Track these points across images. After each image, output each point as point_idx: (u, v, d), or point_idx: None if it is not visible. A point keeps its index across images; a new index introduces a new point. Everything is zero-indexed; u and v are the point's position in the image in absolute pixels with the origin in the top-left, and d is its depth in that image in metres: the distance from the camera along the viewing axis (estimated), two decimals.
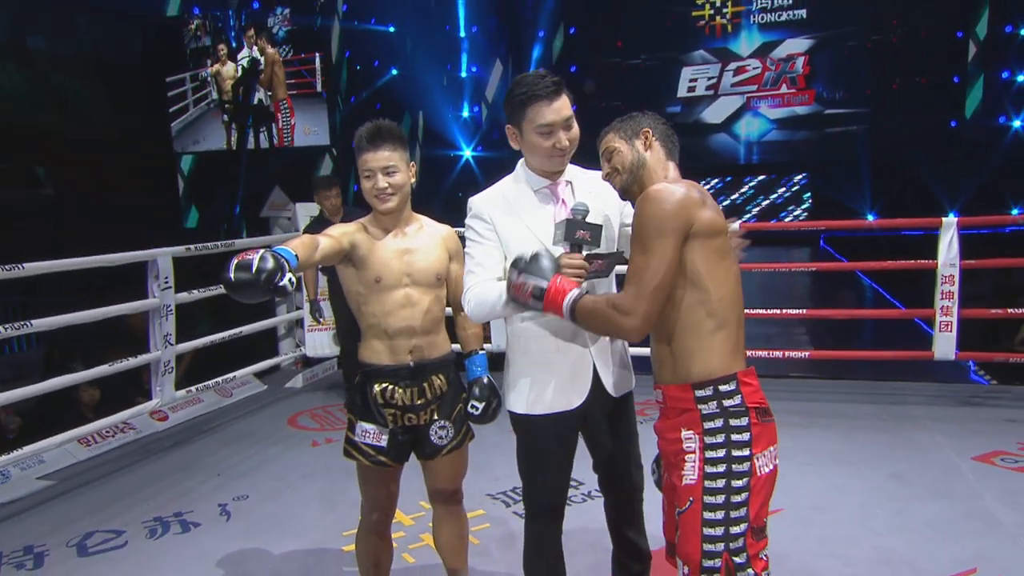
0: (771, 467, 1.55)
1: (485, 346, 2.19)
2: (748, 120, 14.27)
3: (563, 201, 1.84)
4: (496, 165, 15.59)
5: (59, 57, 10.21)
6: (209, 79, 11.33)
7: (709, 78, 14.29)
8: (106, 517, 3.23)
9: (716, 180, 14.38)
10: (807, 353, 4.57)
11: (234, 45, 11.58)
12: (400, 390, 2.02)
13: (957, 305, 4.18)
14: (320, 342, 5.13)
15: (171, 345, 3.90)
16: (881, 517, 2.95)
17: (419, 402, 2.04)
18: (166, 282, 3.80)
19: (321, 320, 4.70)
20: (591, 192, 1.84)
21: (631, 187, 1.69)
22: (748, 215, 14.12)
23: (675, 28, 14.25)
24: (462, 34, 14.80)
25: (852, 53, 13.50)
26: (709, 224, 1.54)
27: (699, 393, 1.54)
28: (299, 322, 5.33)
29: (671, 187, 1.55)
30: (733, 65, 14.12)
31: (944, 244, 4.18)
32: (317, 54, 11.39)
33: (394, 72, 13.76)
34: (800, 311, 4.87)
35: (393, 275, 1.98)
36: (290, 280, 1.57)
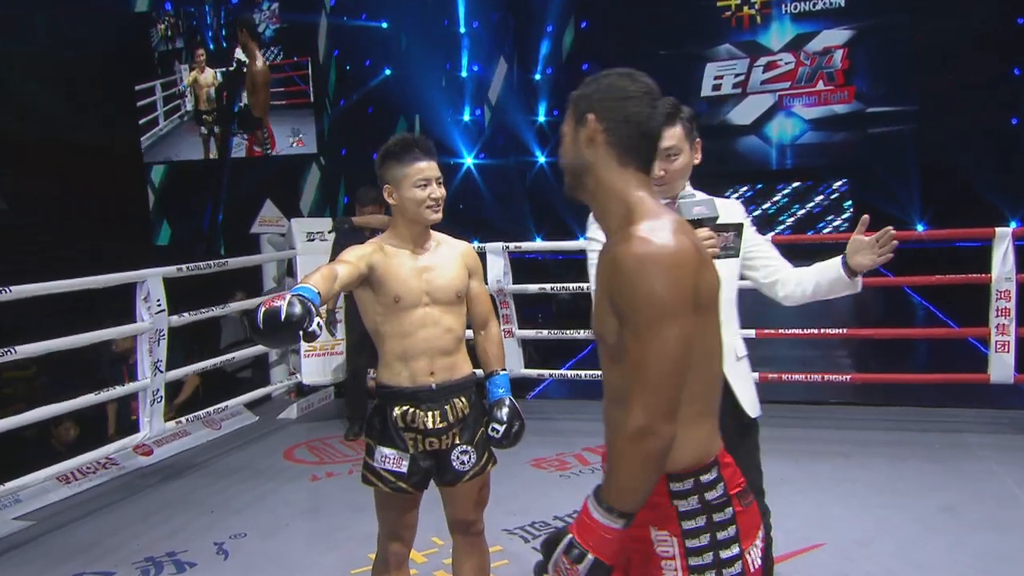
0: (761, 560, 1.41)
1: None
2: (780, 121, 14.49)
3: None
4: (499, 173, 15.84)
5: (12, 56, 10.38)
6: (184, 89, 11.45)
7: (736, 75, 14.56)
8: (93, 558, 3.38)
9: (745, 188, 14.57)
10: (848, 377, 4.71)
11: (211, 48, 11.77)
12: (421, 413, 2.16)
13: (1015, 323, 4.31)
14: (317, 368, 5.29)
15: (161, 372, 4.09)
16: (930, 552, 3.07)
17: (441, 425, 2.17)
18: (159, 305, 3.99)
19: (335, 334, 4.87)
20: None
21: (577, 194, 1.44)
22: (781, 227, 14.31)
23: (698, 20, 14.53)
24: (462, 30, 15.13)
25: (897, 44, 13.65)
26: (708, 291, 1.33)
27: (676, 487, 1.35)
28: (294, 347, 5.49)
29: (665, 240, 1.27)
30: (763, 60, 14.39)
31: (998, 256, 4.31)
32: (310, 59, 11.55)
33: (387, 72, 14.04)
34: (840, 331, 5.00)
35: (412, 294, 2.13)
36: (318, 324, 1.76)
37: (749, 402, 2.14)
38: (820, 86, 14.25)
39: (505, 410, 2.19)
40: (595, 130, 1.36)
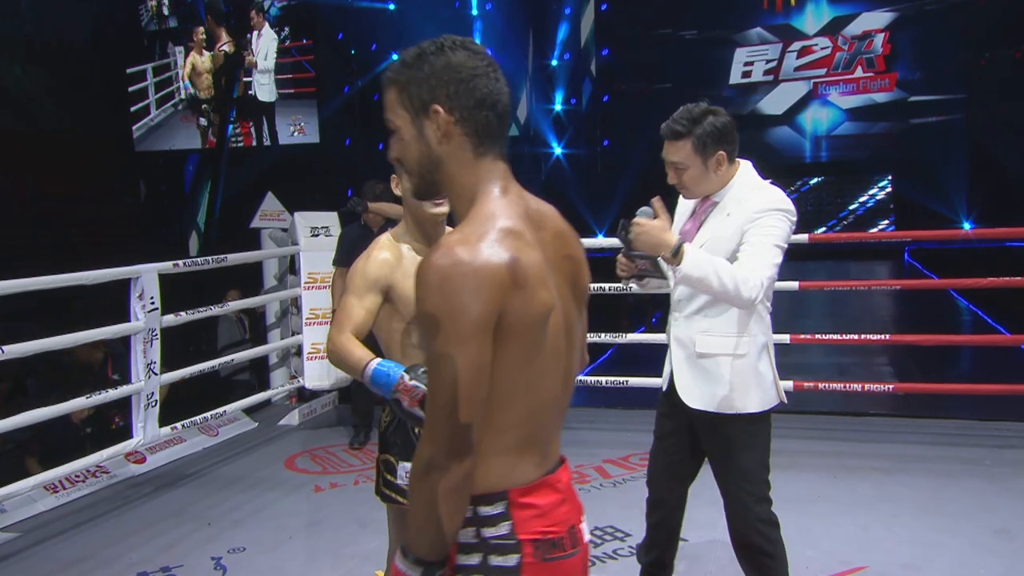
0: None
1: None
2: (815, 110, 14.43)
3: (700, 221, 2.40)
4: (513, 163, 15.71)
5: None
6: (179, 74, 11.40)
7: (768, 61, 14.51)
8: (82, 573, 3.40)
9: (777, 183, 14.54)
10: (891, 387, 4.68)
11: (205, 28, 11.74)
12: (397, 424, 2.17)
13: None
14: (320, 372, 5.31)
15: (155, 375, 4.11)
16: None
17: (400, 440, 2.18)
18: (152, 303, 4.02)
19: None
20: (729, 214, 2.33)
21: (426, 193, 1.38)
22: (821, 228, 14.21)
23: (727, 2, 14.49)
24: (474, 12, 15.14)
25: (944, 28, 13.53)
26: (529, 315, 1.22)
27: None
28: (297, 349, 5.52)
29: (472, 254, 1.18)
30: (797, 45, 14.34)
31: None
32: (314, 42, 11.51)
33: (395, 57, 14.08)
34: (881, 337, 4.98)
35: None
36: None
37: (694, 396, 2.37)
38: (859, 73, 14.17)
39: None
40: (447, 122, 1.27)
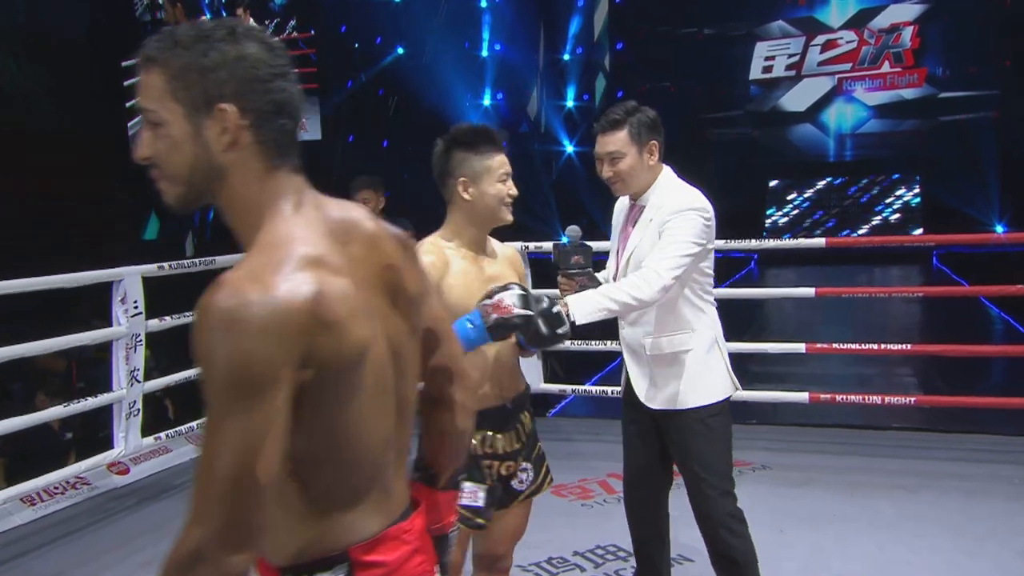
0: None
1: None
2: (840, 107, 14.37)
3: (632, 222, 2.51)
4: (523, 164, 15.75)
5: None
6: None
7: (790, 55, 14.46)
8: None
9: (798, 182, 14.44)
10: (912, 399, 4.60)
11: (209, 18, 11.83)
12: (500, 436, 2.17)
13: None
14: None
15: (139, 382, 4.09)
16: None
17: (516, 447, 2.19)
18: (135, 307, 4.00)
19: None
20: (651, 219, 2.44)
21: (188, 204, 1.15)
22: (845, 230, 14.09)
23: None
24: (483, 3, 15.15)
25: (977, 21, 13.47)
26: (349, 351, 1.07)
27: None
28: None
29: (264, 292, 1.00)
30: (821, 38, 14.29)
31: None
32: (317, 34, 11.51)
33: (400, 51, 14.12)
34: (904, 346, 4.90)
35: None
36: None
37: (651, 397, 2.50)
38: (886, 68, 14.11)
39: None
40: (237, 126, 1.08)
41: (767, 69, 14.65)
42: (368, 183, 4.83)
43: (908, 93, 13.99)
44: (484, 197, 2.09)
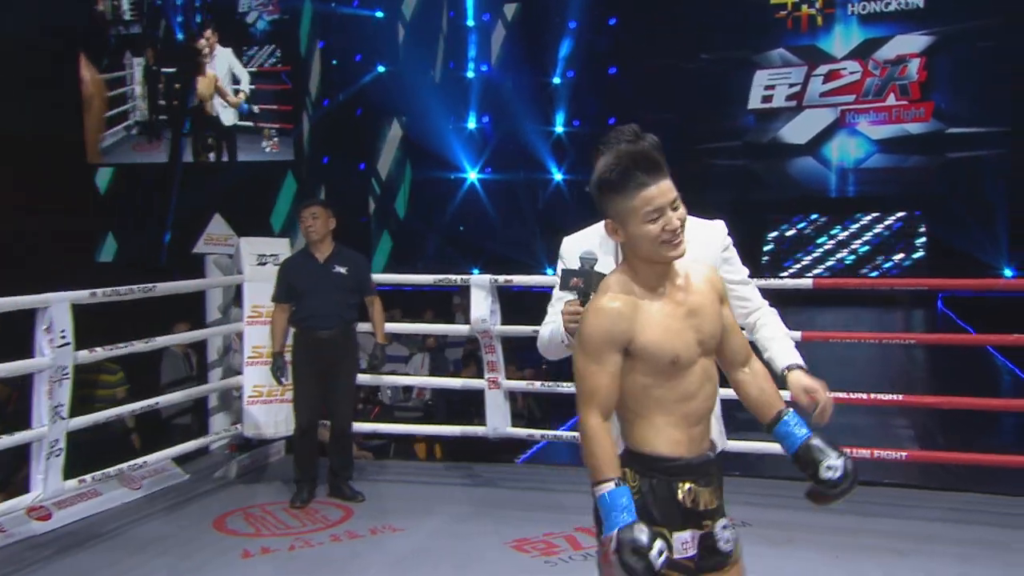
0: None
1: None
2: (842, 140, 14.48)
3: None
4: (508, 191, 15.87)
5: None
6: (134, 92, 11.20)
7: (791, 85, 14.59)
8: None
9: (798, 218, 14.48)
10: (904, 454, 4.55)
11: (180, 36, 11.71)
12: (703, 490, 2.06)
13: None
14: (265, 418, 5.19)
15: (63, 419, 3.99)
16: None
17: (716, 504, 2.07)
18: (63, 337, 3.91)
19: (283, 382, 4.81)
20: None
21: None
22: (842, 266, 14.13)
23: (747, 20, 14.61)
24: (470, 23, 15.28)
25: (985, 54, 13.65)
26: None
27: None
28: (237, 391, 5.41)
29: None
30: (823, 68, 14.44)
31: None
32: (289, 51, 11.43)
33: (381, 69, 14.17)
34: (895, 396, 4.85)
35: (689, 349, 2.02)
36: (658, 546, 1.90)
37: (720, 435, 2.40)
38: (891, 101, 14.25)
39: (827, 444, 2.04)
40: None
41: (767, 99, 14.78)
42: (318, 201, 4.83)
43: (914, 128, 14.12)
44: (633, 240, 1.99)
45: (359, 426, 5.39)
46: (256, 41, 11.65)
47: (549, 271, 13.86)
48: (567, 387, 4.90)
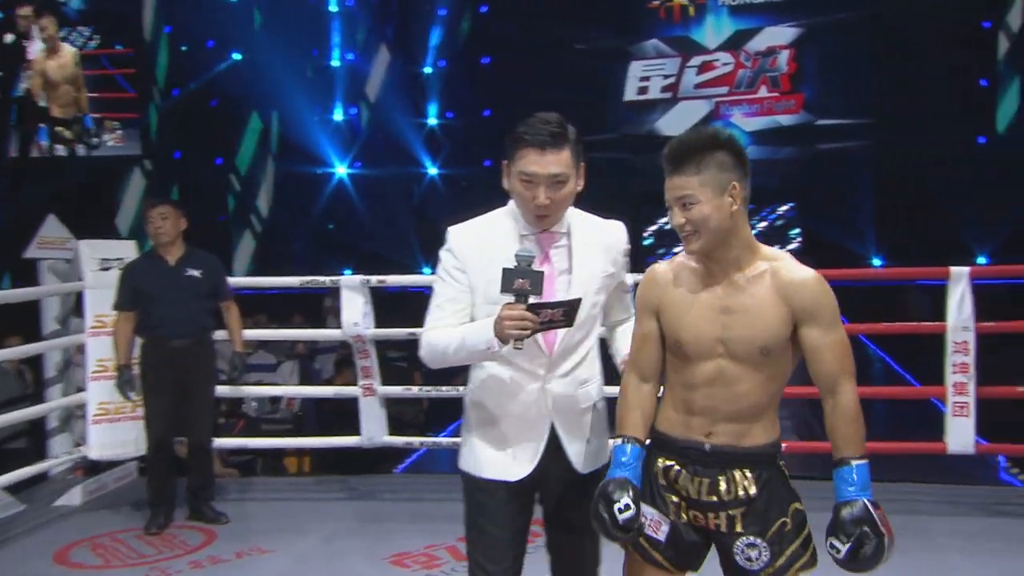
0: None
1: None
2: None
3: (548, 256, 2.28)
4: (379, 187, 15.68)
5: None
6: None
7: (666, 76, 15.02)
8: None
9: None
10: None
11: None
12: (687, 475, 2.12)
13: (974, 381, 4.45)
14: (113, 438, 4.96)
15: None
16: None
17: (709, 499, 2.09)
18: None
19: (131, 397, 4.59)
20: (588, 244, 2.32)
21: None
22: None
23: (620, 9, 14.92)
24: (333, 8, 15.02)
25: (851, 46, 14.40)
26: None
27: None
28: (80, 410, 5.15)
29: None
30: (697, 60, 14.93)
31: (954, 302, 4.45)
32: (133, 37, 10.95)
33: (236, 57, 13.77)
34: None
35: (703, 342, 2.09)
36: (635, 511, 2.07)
37: (585, 459, 2.33)
38: (763, 92, 14.84)
39: (852, 519, 1.98)
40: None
41: (642, 90, 15.16)
42: (167, 199, 4.63)
43: (785, 119, 14.75)
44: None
45: (222, 442, 5.23)
46: (69, 22, 11.04)
47: (426, 270, 13.86)
48: (447, 391, 4.89)
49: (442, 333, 2.25)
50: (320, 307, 9.71)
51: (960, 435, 4.47)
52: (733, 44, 14.94)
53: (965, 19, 13.72)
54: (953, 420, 4.49)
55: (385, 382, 4.97)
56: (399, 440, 5.12)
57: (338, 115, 15.31)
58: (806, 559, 2.09)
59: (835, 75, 14.63)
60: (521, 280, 2.07)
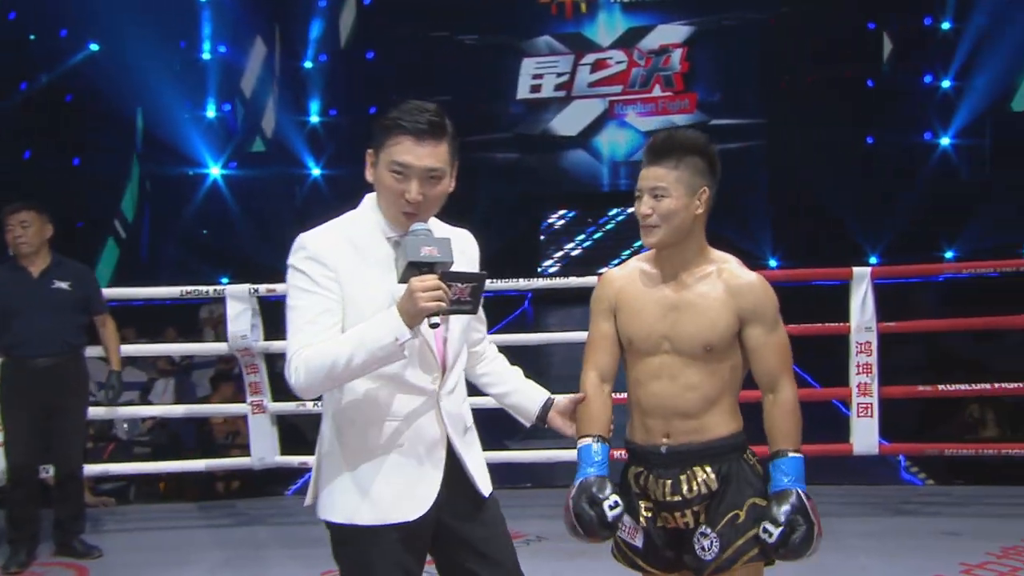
0: None
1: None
2: (612, 132, 15.26)
3: None
4: (258, 189, 15.30)
5: None
6: None
7: (559, 74, 15.18)
8: None
9: (572, 212, 15.04)
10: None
11: None
12: (653, 479, 2.23)
13: (877, 382, 4.63)
14: None
15: None
16: None
17: (674, 499, 2.21)
18: None
19: None
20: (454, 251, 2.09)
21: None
22: (616, 260, 14.91)
23: (511, 4, 15.01)
24: None
25: (742, 46, 14.88)
26: None
27: None
28: None
29: None
30: (590, 57, 15.14)
31: (856, 302, 4.62)
32: None
33: (93, 48, 13.25)
34: None
35: (649, 339, 2.23)
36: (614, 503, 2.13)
37: (485, 480, 2.22)
38: (657, 92, 15.18)
39: (785, 507, 2.14)
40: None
41: (535, 88, 15.27)
42: (28, 204, 4.35)
43: (680, 119, 15.06)
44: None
45: (91, 468, 4.97)
46: None
47: None
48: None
49: (326, 347, 1.97)
50: (196, 319, 9.40)
51: (865, 436, 4.65)
52: (626, 42, 15.22)
53: (852, 20, 14.37)
54: (858, 421, 4.66)
55: (275, 398, 4.85)
56: (293, 460, 4.99)
57: (211, 112, 14.88)
58: (755, 553, 2.19)
59: (727, 75, 15.07)
60: (429, 248, 1.92)
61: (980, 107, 13.95)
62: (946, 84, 14.40)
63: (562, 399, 2.30)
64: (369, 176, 2.09)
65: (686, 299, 2.22)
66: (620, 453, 2.34)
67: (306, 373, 1.96)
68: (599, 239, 15.31)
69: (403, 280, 1.93)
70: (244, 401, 4.87)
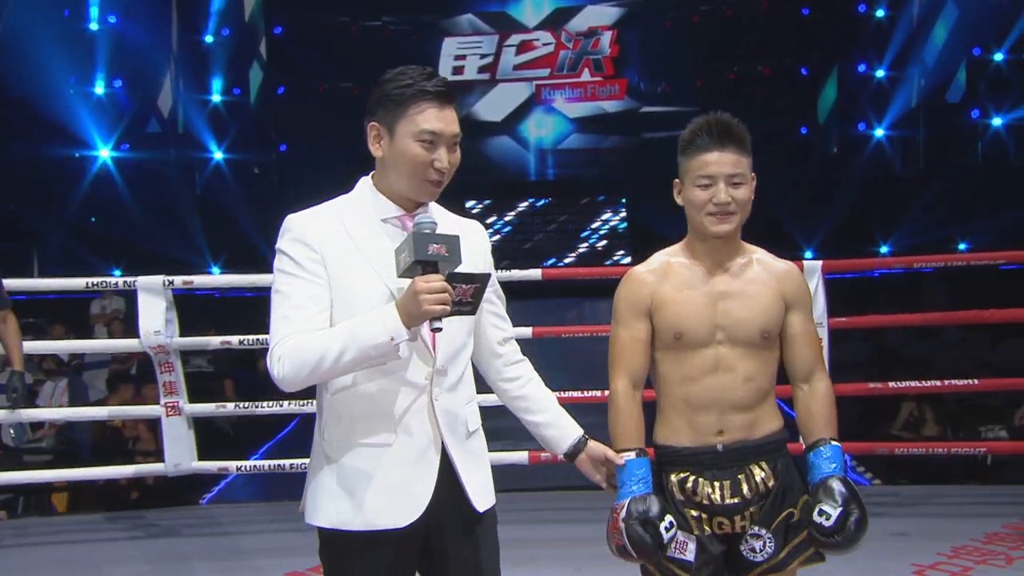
0: None
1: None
2: (539, 118, 15.34)
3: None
4: (154, 174, 14.94)
5: None
6: None
7: (483, 56, 15.19)
8: None
9: (496, 202, 14.97)
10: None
11: None
12: (705, 482, 2.25)
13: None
14: None
15: None
16: None
17: (733, 501, 2.23)
18: None
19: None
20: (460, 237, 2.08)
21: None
22: (551, 259, 14.95)
23: None
24: None
25: (673, 31, 15.10)
26: None
27: None
28: None
29: None
30: (516, 38, 15.18)
31: None
32: None
33: None
34: (599, 393, 4.94)
35: (701, 329, 2.26)
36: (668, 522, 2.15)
37: (483, 494, 2.15)
38: (586, 76, 15.31)
39: (841, 489, 2.19)
40: None
41: (458, 70, 15.24)
42: None
43: (609, 106, 15.25)
44: (686, 206, 2.29)
45: None
46: None
47: (215, 269, 13.34)
48: (267, 407, 4.76)
49: (313, 337, 1.94)
50: (86, 314, 9.20)
51: None
52: (553, 23, 15.29)
53: (786, 8, 14.76)
54: None
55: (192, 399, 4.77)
56: (212, 465, 4.92)
57: (99, 88, 14.47)
58: (811, 552, 2.26)
59: (658, 60, 15.26)
60: (436, 245, 1.90)
61: (915, 98, 14.45)
62: (880, 74, 14.88)
63: (596, 446, 2.26)
64: (377, 151, 2.06)
65: (735, 287, 2.28)
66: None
67: (290, 364, 1.94)
68: (525, 229, 15.24)
69: (403, 275, 1.92)
70: (147, 403, 4.78)
